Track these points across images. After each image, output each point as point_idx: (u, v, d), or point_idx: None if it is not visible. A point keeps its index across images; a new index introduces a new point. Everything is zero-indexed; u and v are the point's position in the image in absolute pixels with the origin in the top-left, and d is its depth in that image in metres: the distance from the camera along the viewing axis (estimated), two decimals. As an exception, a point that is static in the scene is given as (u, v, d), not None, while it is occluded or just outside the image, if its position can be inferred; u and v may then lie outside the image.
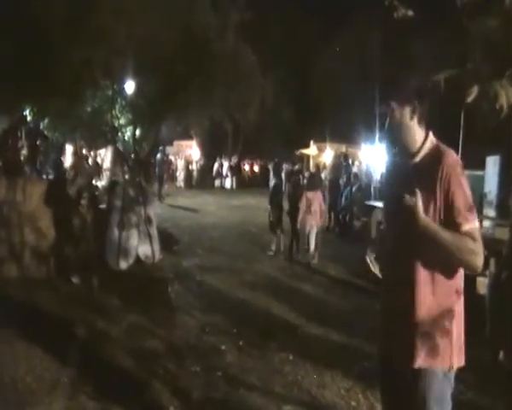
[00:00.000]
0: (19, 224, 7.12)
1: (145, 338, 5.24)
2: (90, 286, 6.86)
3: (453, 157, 2.14)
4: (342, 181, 14.13)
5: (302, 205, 9.34)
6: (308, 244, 9.29)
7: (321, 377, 4.53)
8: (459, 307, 2.18)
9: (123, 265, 8.05)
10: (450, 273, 2.14)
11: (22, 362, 4.44)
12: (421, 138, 2.23)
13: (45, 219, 7.30)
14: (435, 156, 2.15)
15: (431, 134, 2.24)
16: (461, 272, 2.17)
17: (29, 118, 15.30)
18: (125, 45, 12.87)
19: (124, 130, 21.10)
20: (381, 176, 16.09)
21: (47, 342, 4.84)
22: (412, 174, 2.20)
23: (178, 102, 16.76)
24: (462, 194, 2.08)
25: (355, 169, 18.04)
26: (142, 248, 8.40)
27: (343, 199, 13.33)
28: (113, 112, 19.06)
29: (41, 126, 16.97)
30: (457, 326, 2.16)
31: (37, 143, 13.84)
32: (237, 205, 18.99)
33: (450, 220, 2.08)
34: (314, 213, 9.33)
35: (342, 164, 14.66)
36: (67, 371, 4.27)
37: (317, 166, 15.61)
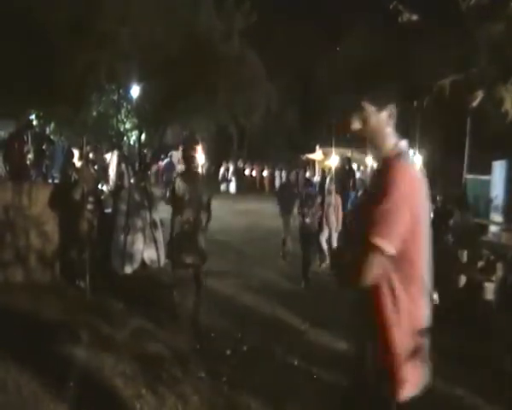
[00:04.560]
0: (24, 228, 7.12)
1: (150, 343, 5.23)
2: (95, 290, 6.86)
3: (399, 174, 1.98)
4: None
5: (329, 209, 9.60)
6: (323, 248, 9.53)
7: (326, 383, 4.51)
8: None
9: (128, 269, 8.05)
10: None
11: (27, 367, 4.42)
12: (391, 143, 2.13)
13: (51, 224, 7.31)
14: (386, 167, 2.05)
15: (402, 142, 2.13)
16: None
17: (35, 122, 15.38)
18: (129, 49, 12.94)
19: (129, 134, 21.22)
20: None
21: (52, 346, 4.84)
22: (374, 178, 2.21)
23: (183, 106, 16.82)
24: (381, 207, 1.94)
25: (360, 174, 17.96)
26: (148, 252, 8.39)
27: (348, 204, 13.28)
28: (119, 116, 19.15)
29: (47, 131, 17.08)
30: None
31: (43, 147, 13.88)
32: (243, 210, 18.94)
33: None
34: (338, 217, 9.65)
35: (345, 169, 14.47)
36: (72, 376, 4.26)
37: (324, 171, 15.54)
